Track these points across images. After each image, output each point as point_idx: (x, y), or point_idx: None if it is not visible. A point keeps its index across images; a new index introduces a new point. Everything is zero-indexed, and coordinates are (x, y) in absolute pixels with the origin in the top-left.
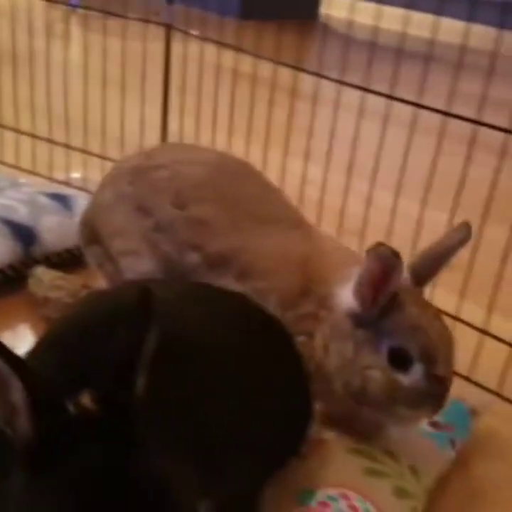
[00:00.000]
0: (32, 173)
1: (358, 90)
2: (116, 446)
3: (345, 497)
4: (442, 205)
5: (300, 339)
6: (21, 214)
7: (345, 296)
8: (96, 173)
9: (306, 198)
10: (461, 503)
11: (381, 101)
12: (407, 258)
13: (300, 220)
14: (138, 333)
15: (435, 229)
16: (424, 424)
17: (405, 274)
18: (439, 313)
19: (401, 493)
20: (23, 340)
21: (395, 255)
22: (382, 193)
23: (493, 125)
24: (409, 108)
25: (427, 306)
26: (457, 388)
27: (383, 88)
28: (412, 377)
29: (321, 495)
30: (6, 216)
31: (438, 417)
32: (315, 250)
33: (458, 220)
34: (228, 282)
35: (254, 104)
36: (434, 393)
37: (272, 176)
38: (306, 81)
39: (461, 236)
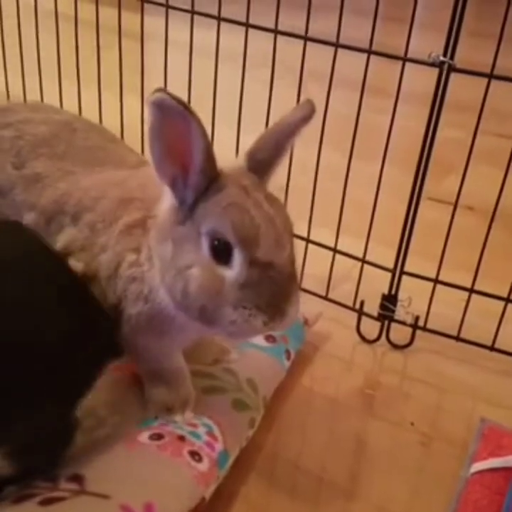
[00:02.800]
0: None
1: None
2: None
3: None
4: None
5: (129, 258)
6: None
7: (165, 197)
8: None
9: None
10: (302, 402)
11: (210, 37)
12: None
13: (139, 164)
14: None
15: None
16: (260, 340)
17: (240, 160)
18: (277, 201)
19: (240, 405)
20: None
21: (176, 100)
22: (223, 128)
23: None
24: (238, 42)
25: (257, 189)
26: None
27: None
28: (235, 268)
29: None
30: None
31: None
32: (144, 175)
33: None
34: (68, 231)
35: (81, 47)
36: (262, 286)
37: (109, 117)
38: (132, 20)
39: (303, 113)
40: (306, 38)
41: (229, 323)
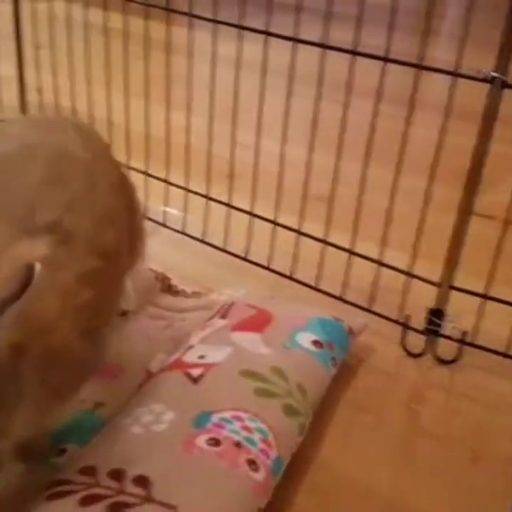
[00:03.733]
0: None
1: (233, 30)
2: None
3: (238, 418)
4: (326, 148)
5: None
6: None
7: None
8: None
9: (195, 148)
10: (347, 414)
11: (256, 50)
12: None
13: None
14: None
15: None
16: (308, 343)
17: None
18: None
19: (290, 411)
20: None
21: None
22: (267, 140)
23: (370, 54)
24: (283, 57)
25: None
26: (333, 309)
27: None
28: None
29: (215, 418)
30: None
31: (320, 337)
32: None
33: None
34: None
35: (128, 60)
36: None
37: (156, 128)
38: (178, 33)
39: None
40: (354, 52)
41: None
